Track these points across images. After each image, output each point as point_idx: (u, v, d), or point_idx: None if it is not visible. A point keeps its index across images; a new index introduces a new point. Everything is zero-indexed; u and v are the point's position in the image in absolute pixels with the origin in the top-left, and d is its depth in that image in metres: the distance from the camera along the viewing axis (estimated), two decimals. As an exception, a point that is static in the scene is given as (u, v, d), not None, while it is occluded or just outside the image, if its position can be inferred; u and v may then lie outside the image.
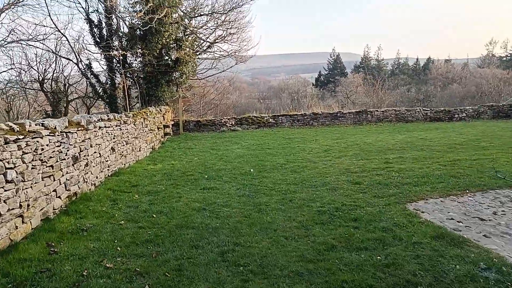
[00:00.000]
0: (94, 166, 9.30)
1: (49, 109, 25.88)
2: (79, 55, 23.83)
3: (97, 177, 9.45)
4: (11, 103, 26.13)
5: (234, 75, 28.85)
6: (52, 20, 23.82)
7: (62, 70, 26.21)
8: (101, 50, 22.97)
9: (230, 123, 21.45)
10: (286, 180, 9.63)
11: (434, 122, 22.44)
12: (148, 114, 16.20)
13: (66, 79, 26.19)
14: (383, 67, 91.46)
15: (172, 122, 21.01)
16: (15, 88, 25.30)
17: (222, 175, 10.32)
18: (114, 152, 10.92)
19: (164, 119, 19.15)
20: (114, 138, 11.03)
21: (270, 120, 21.87)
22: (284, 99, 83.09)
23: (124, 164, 11.91)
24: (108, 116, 11.18)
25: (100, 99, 25.72)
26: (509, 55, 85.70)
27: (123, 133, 11.95)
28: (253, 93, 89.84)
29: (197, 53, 26.29)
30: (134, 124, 13.37)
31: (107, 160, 10.39)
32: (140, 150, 13.82)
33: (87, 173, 8.86)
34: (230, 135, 19.42)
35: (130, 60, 24.61)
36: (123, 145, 11.88)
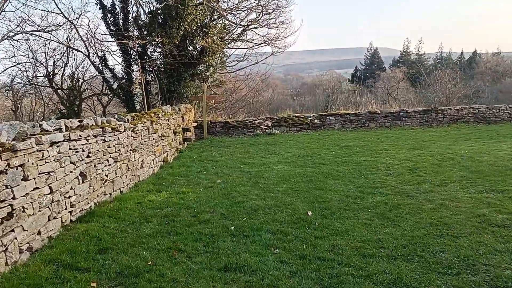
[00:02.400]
0: (30, 217, 5.01)
1: (63, 109, 22.26)
2: (91, 46, 19.95)
3: (34, 237, 5.13)
4: (18, 101, 22.66)
5: (268, 70, 24.20)
6: (59, 8, 20.02)
7: (77, 66, 22.55)
8: (115, 39, 18.96)
9: (266, 124, 16.96)
10: (381, 243, 5.00)
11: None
12: (160, 115, 11.92)
13: (78, 75, 22.44)
14: (424, 61, 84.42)
15: (195, 124, 16.72)
16: (21, 85, 21.77)
17: (259, 225, 5.77)
18: (85, 180, 6.62)
19: (183, 121, 14.86)
20: (88, 157, 6.73)
21: (315, 120, 17.20)
22: (318, 95, 78.06)
23: (110, 194, 7.62)
24: (82, 121, 6.89)
25: (115, 97, 21.85)
26: None
27: (108, 146, 7.65)
28: (286, 90, 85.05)
29: (226, 42, 21.89)
30: (132, 131, 9.08)
31: (69, 196, 6.08)
32: (142, 167, 9.54)
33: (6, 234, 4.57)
34: (266, 140, 14.90)
35: (149, 52, 20.53)
36: (108, 165, 7.58)
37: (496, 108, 17.64)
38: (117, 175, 7.95)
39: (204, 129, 16.39)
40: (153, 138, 10.74)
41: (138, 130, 9.48)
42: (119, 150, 8.14)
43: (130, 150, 8.85)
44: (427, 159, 10.19)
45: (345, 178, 8.67)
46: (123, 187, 8.23)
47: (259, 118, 17.30)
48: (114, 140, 7.98)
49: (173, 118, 13.48)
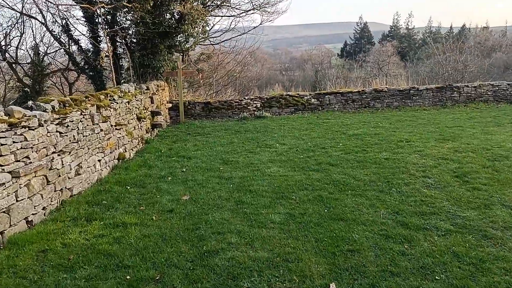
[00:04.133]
0: None
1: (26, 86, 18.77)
2: (48, 12, 16.39)
3: None
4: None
5: (257, 42, 20.75)
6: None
7: (35, 36, 18.90)
8: (76, 2, 15.43)
9: (254, 105, 13.85)
10: None
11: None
12: (116, 97, 8.76)
13: (41, 47, 18.85)
14: (414, 36, 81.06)
15: (170, 105, 13.56)
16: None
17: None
18: None
19: (153, 102, 11.69)
20: None
21: (312, 100, 14.14)
22: (307, 70, 74.88)
23: (1, 234, 4.61)
24: None
25: (81, 73, 18.45)
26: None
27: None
28: (275, 65, 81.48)
29: (209, 9, 18.41)
30: (59, 124, 5.97)
31: None
32: (78, 174, 6.47)
33: None
34: (255, 126, 11.84)
35: (120, 20, 17.01)
36: (5, 185, 4.54)
37: (518, 84, 14.78)
38: (19, 199, 4.89)
39: (180, 112, 13.24)
40: (101, 130, 7.62)
41: (71, 121, 6.36)
42: (26, 157, 5.06)
43: (54, 153, 5.76)
44: (472, 158, 7.28)
45: (368, 192, 5.75)
46: (34, 214, 5.19)
47: (246, 97, 14.15)
48: (16, 142, 4.89)
49: (137, 100, 10.31)
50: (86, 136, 6.95)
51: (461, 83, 15.94)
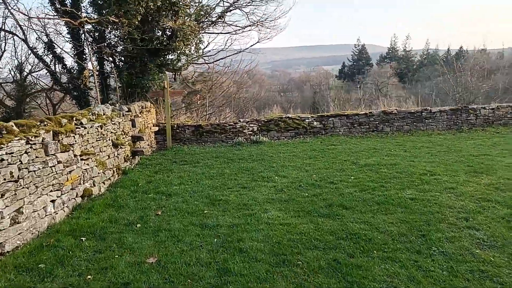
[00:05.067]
0: None
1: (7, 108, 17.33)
2: (28, 28, 15.06)
3: None
4: None
5: (254, 60, 19.36)
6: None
7: (17, 53, 17.57)
8: (60, 17, 14.17)
9: (250, 129, 12.34)
10: None
11: None
12: (84, 121, 7.24)
13: (20, 65, 17.50)
14: (412, 57, 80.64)
15: (156, 129, 12.02)
16: None
17: None
18: None
19: (134, 126, 10.16)
20: None
21: (315, 123, 12.64)
22: (306, 92, 74.15)
23: None
24: None
25: (64, 92, 17.06)
26: (550, 42, 73.96)
27: None
28: (273, 86, 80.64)
29: (203, 26, 17.13)
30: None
31: None
32: (16, 222, 4.88)
33: None
34: (251, 152, 10.28)
35: (108, 37, 15.72)
36: None
37: (539, 106, 13.33)
38: None
39: (167, 136, 11.68)
40: (59, 162, 6.05)
41: (8, 154, 4.81)
42: None
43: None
44: (523, 199, 5.71)
45: (401, 253, 4.14)
46: None
47: (241, 120, 12.62)
48: None
49: (114, 123, 8.78)
50: (34, 171, 5.37)
51: (475, 104, 14.51)
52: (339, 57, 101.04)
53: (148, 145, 11.17)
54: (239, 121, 12.59)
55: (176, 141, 12.13)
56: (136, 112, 10.57)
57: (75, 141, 6.71)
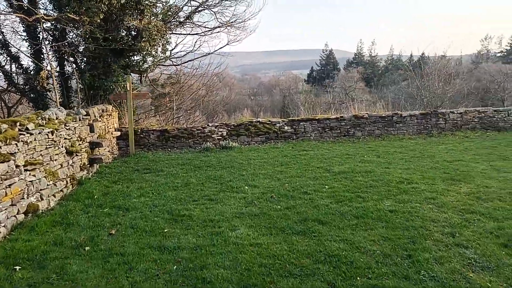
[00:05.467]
0: None
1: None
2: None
3: None
4: None
5: (224, 63, 18.62)
6: None
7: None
8: (13, 11, 12.99)
9: (220, 133, 11.64)
10: None
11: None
12: (31, 127, 6.33)
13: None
14: (377, 63, 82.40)
15: (118, 133, 11.11)
16: None
17: None
18: None
19: (92, 131, 9.23)
20: None
21: (286, 128, 12.10)
22: (275, 95, 74.21)
23: None
24: None
25: (22, 95, 15.74)
26: (504, 50, 77.46)
27: None
28: (244, 90, 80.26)
29: (171, 26, 16.29)
30: None
31: None
32: None
33: None
34: (220, 159, 9.58)
35: (70, 36, 14.65)
36: None
37: (504, 111, 13.38)
38: None
39: (129, 142, 10.79)
40: (-6, 175, 5.15)
41: None
42: None
43: None
44: (507, 211, 5.33)
45: (388, 279, 3.60)
46: None
47: (210, 125, 11.90)
48: None
49: (68, 129, 7.86)
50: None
51: (444, 109, 14.44)
52: (308, 62, 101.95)
53: (109, 151, 10.25)
54: (208, 125, 11.87)
55: (140, 146, 11.26)
56: (95, 116, 9.65)
57: (18, 149, 5.81)
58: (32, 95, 14.17)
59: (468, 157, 9.04)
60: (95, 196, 6.88)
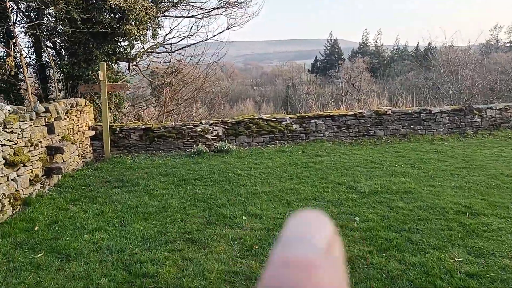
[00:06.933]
0: None
1: None
2: None
3: None
4: None
5: (223, 48, 16.30)
6: None
7: None
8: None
9: (215, 132, 9.54)
10: None
11: None
12: None
13: None
14: (383, 52, 79.68)
15: (93, 133, 9.01)
16: None
17: None
18: None
19: (53, 132, 7.15)
20: None
21: (294, 126, 9.98)
22: (278, 85, 72.02)
23: None
24: None
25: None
26: (514, 40, 74.46)
27: None
28: (246, 80, 78.09)
29: (161, 7, 14.07)
30: None
31: None
32: None
33: None
34: (212, 168, 7.48)
35: (48, 20, 12.70)
36: None
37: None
38: None
39: (104, 143, 8.68)
40: None
41: None
42: None
43: None
44: None
45: None
46: None
47: (203, 122, 9.74)
48: None
49: (10, 131, 5.80)
50: None
51: (480, 104, 12.24)
52: (313, 52, 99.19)
53: (78, 155, 8.17)
54: (201, 123, 9.74)
55: (119, 148, 9.17)
56: (58, 113, 7.54)
57: None
58: (3, 85, 12.13)
59: (530, 169, 6.90)
60: (36, 228, 4.84)
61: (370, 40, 79.81)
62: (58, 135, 7.39)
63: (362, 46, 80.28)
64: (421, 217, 4.73)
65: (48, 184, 6.75)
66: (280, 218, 4.80)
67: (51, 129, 7.12)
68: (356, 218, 4.76)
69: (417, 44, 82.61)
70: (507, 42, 77.76)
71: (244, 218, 4.87)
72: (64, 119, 7.78)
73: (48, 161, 6.88)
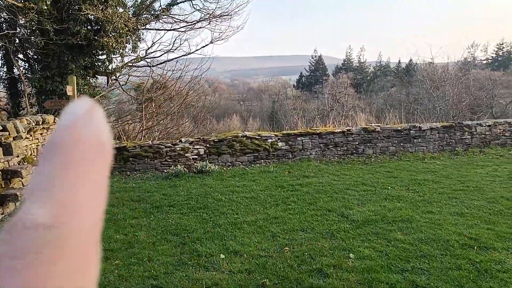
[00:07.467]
0: None
1: None
2: None
3: None
4: None
5: (207, 61, 15.67)
6: None
7: None
8: None
9: (195, 151, 8.84)
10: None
11: None
12: None
13: None
14: (366, 69, 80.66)
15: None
16: None
17: None
18: None
19: (10, 153, 6.34)
20: None
21: (279, 144, 9.36)
22: (265, 101, 71.88)
23: None
24: None
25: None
26: (490, 57, 76.25)
27: None
28: (233, 95, 77.80)
29: (142, 20, 13.41)
30: None
31: None
32: None
33: None
34: (190, 193, 6.77)
35: (20, 31, 11.98)
36: None
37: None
38: None
39: (73, 165, 7.90)
40: None
41: None
42: None
43: None
44: None
45: None
46: None
47: (183, 140, 9.03)
48: None
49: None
50: None
51: (469, 120, 11.85)
52: (298, 68, 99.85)
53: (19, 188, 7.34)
54: (180, 141, 9.02)
55: (90, 169, 8.36)
56: (18, 132, 6.75)
57: None
58: (-29, 100, 11.23)
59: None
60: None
61: (354, 57, 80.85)
62: (18, 156, 6.58)
63: (346, 62, 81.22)
64: (424, 252, 4.09)
65: (2, 213, 5.91)
66: (263, 257, 4.09)
67: (8, 150, 6.32)
68: (351, 254, 4.10)
69: (399, 61, 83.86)
70: (483, 60, 79.38)
71: (222, 256, 4.15)
72: (26, 138, 6.99)
73: (3, 186, 6.06)
